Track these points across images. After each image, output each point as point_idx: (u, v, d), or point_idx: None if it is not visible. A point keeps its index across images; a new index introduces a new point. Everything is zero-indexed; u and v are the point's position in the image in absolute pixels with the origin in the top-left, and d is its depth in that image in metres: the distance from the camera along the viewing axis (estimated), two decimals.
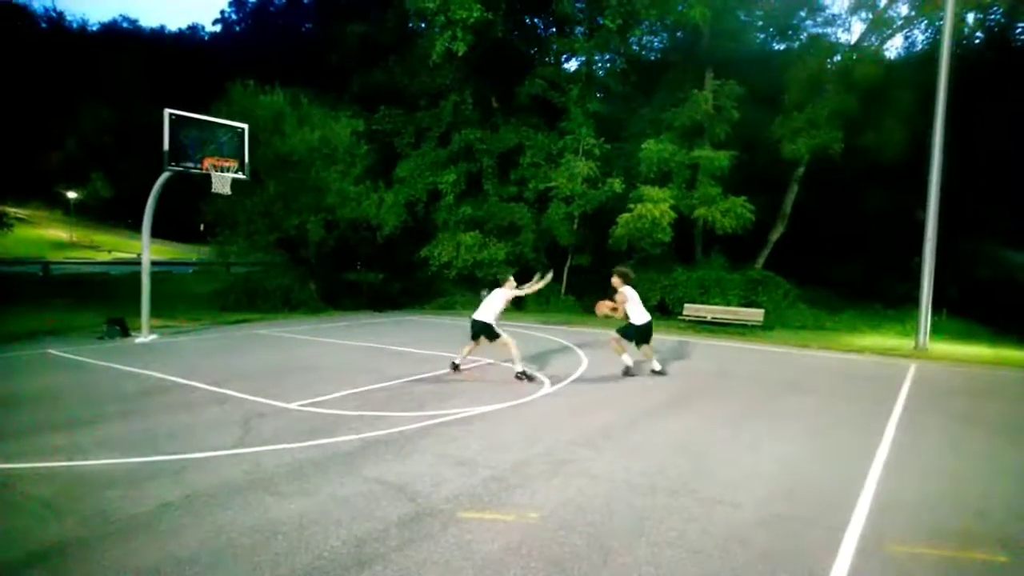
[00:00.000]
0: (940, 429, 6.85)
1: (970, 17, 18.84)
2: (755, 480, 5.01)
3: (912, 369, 10.74)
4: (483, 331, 9.03)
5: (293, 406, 7.08)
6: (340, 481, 4.77)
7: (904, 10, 19.51)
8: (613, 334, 9.47)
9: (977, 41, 21.53)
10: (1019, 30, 21.65)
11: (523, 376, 8.82)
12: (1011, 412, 7.94)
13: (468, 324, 9.29)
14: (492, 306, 9.12)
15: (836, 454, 5.81)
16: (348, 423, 6.40)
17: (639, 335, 9.31)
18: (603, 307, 9.23)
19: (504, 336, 8.97)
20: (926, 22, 20.07)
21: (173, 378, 8.48)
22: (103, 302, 17.44)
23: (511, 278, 9.48)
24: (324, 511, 4.20)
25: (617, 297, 9.12)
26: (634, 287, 9.41)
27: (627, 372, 9.35)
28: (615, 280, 9.21)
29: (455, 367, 9.39)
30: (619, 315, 9.19)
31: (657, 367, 9.53)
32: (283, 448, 5.54)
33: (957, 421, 7.24)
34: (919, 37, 22.69)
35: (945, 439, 6.46)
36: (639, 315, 9.22)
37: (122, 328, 12.40)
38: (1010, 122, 18.59)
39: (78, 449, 5.44)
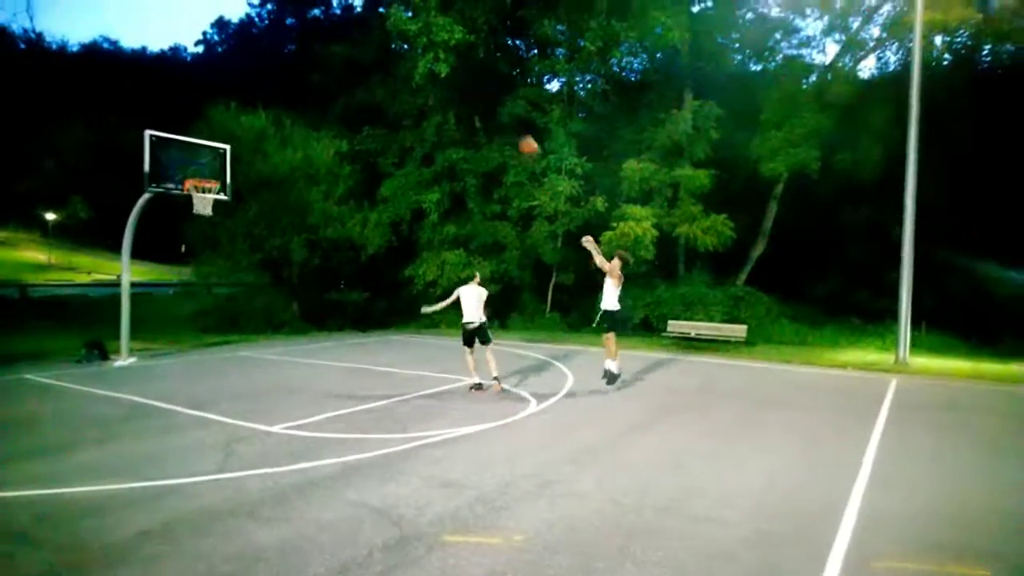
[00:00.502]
0: (922, 443, 6.93)
1: (938, 39, 19.40)
2: (740, 497, 5.02)
3: (893, 383, 10.87)
4: (478, 333, 9.34)
5: (275, 429, 7.00)
6: (323, 506, 4.71)
7: (876, 32, 20.06)
8: (608, 335, 9.53)
9: (946, 63, 22.16)
10: (985, 52, 22.32)
11: (496, 382, 9.26)
12: (991, 425, 8.05)
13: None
14: (476, 306, 9.41)
15: (820, 470, 5.85)
16: (331, 446, 6.33)
17: (611, 321, 9.40)
18: (591, 243, 9.22)
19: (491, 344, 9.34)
20: (897, 44, 20.63)
21: (153, 402, 8.34)
22: (82, 325, 17.13)
23: (478, 274, 9.94)
24: (307, 537, 4.15)
25: (613, 263, 9.24)
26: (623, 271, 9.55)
27: (609, 377, 9.46)
28: (614, 260, 9.37)
29: (479, 387, 9.44)
30: (595, 261, 9.19)
31: (610, 368, 9.50)
32: (265, 473, 5.47)
33: (939, 435, 7.33)
34: (891, 58, 23.29)
35: (927, 453, 6.54)
36: (612, 301, 9.35)
37: (101, 352, 12.19)
38: (980, 138, 19.09)
39: (55, 476, 5.32)
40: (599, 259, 9.23)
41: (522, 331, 18.94)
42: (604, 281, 9.46)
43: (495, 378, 9.33)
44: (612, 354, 9.43)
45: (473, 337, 9.38)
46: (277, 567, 3.72)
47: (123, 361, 11.87)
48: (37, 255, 59.60)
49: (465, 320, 9.39)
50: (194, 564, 3.75)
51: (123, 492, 4.98)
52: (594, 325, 9.54)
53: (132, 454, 6.02)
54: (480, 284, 9.64)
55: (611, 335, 9.40)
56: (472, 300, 9.39)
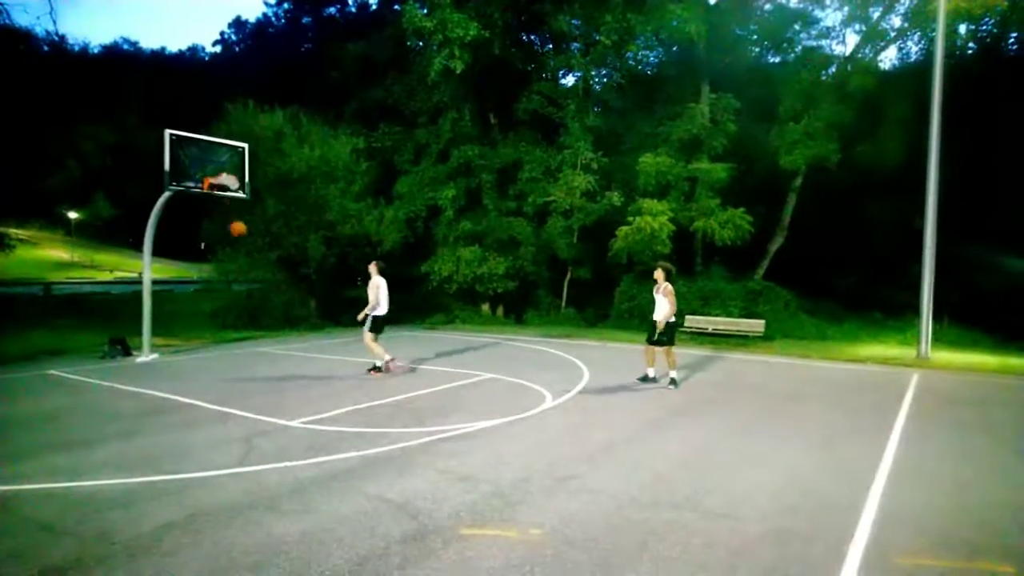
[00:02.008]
0: (944, 439, 6.83)
1: (962, 28, 19.03)
2: (758, 493, 4.98)
3: (915, 378, 10.71)
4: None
5: (295, 423, 7.07)
6: (342, 499, 4.76)
7: (897, 22, 19.72)
8: (647, 346, 9.57)
9: (970, 51, 21.71)
10: (1011, 40, 21.84)
11: (380, 370, 10.10)
12: (1016, 421, 7.91)
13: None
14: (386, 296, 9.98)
15: (840, 466, 5.79)
16: (349, 440, 6.39)
17: (674, 333, 9.43)
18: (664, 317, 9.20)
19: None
20: (919, 33, 20.27)
21: (175, 397, 8.47)
22: (104, 321, 17.44)
23: (374, 264, 10.14)
24: (326, 529, 4.19)
25: (666, 291, 9.16)
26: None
27: (671, 381, 9.47)
28: (659, 274, 9.26)
29: (385, 367, 10.15)
30: (671, 313, 9.20)
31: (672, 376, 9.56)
32: (285, 466, 5.53)
33: (961, 430, 7.21)
34: (913, 48, 22.93)
35: (950, 449, 6.43)
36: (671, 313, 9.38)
37: (123, 347, 12.40)
38: (1008, 129, 18.68)
39: (79, 470, 5.43)
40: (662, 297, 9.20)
41: (538, 326, 18.93)
42: (656, 296, 9.35)
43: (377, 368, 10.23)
44: (675, 364, 9.46)
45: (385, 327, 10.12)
46: (297, 559, 3.76)
47: (145, 357, 12.06)
48: (60, 253, 60.66)
49: (387, 311, 9.99)
50: (216, 556, 3.81)
51: (146, 485, 5.06)
52: (656, 338, 9.35)
53: (155, 448, 6.11)
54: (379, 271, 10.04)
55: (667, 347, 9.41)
56: (386, 290, 9.95)
